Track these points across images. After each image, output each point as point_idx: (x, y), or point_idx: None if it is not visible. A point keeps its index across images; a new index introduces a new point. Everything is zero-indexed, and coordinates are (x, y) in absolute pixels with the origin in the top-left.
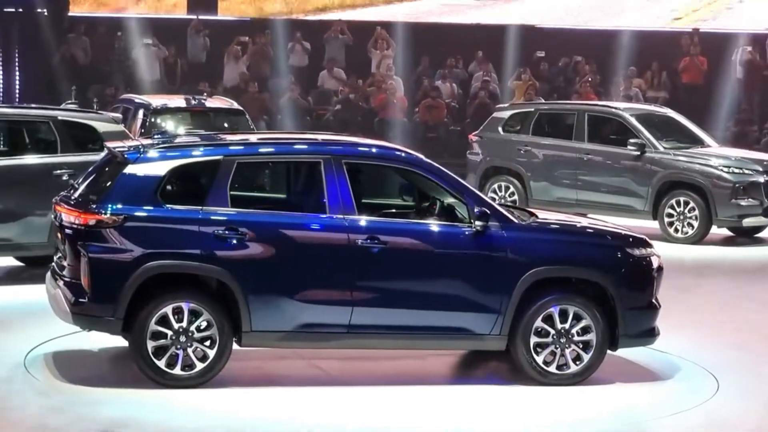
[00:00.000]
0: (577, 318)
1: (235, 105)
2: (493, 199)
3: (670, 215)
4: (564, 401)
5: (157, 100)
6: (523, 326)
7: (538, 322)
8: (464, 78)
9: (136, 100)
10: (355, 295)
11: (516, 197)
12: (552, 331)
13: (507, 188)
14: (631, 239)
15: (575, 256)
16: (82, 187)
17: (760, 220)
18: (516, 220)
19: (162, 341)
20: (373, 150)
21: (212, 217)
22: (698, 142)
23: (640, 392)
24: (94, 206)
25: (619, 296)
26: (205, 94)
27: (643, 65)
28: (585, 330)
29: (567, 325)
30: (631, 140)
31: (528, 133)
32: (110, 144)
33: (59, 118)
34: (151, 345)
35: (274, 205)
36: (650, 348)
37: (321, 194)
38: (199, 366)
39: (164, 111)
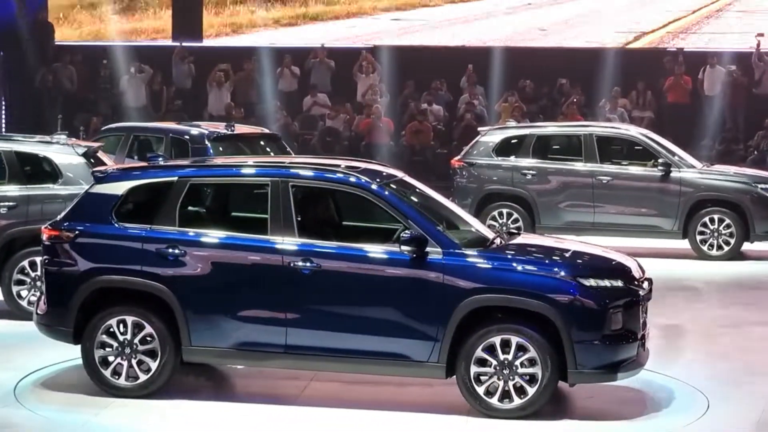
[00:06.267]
0: (523, 349)
1: (266, 131)
2: (492, 227)
3: (702, 233)
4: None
5: (201, 129)
6: (464, 355)
7: (479, 352)
8: (449, 101)
9: (193, 131)
10: (289, 316)
11: (520, 223)
12: (494, 362)
13: (510, 215)
14: (594, 268)
15: (517, 285)
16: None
17: None
18: (468, 246)
19: (109, 351)
20: (322, 173)
21: (156, 236)
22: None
23: (631, 411)
24: (59, 224)
25: (566, 328)
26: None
27: (628, 85)
28: (532, 362)
29: (510, 356)
30: (659, 160)
31: (528, 157)
32: (95, 168)
33: (13, 150)
34: (98, 355)
35: (222, 225)
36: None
37: (265, 215)
38: (142, 377)
39: (221, 138)
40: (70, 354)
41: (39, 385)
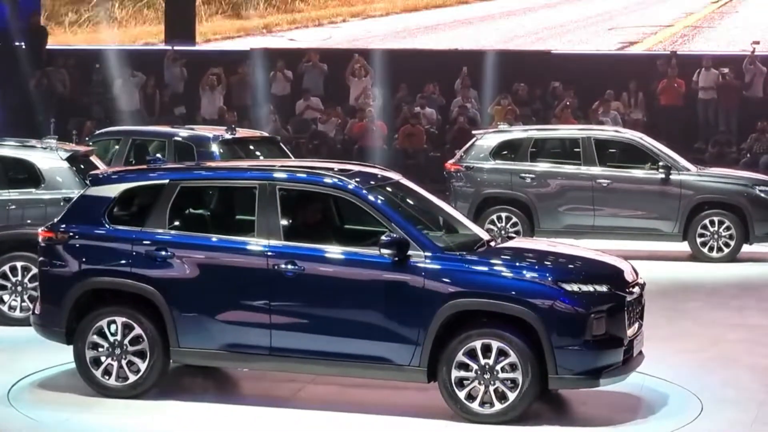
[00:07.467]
0: (504, 354)
1: (266, 134)
2: (490, 231)
3: (702, 235)
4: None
5: (206, 133)
6: (445, 360)
7: (460, 356)
8: (442, 104)
9: (199, 134)
10: (274, 318)
11: (519, 227)
12: (475, 367)
13: (508, 219)
14: (579, 272)
15: (498, 289)
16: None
17: None
18: (452, 250)
19: (100, 351)
20: (308, 177)
21: (146, 238)
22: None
23: (622, 416)
24: (55, 225)
25: (546, 333)
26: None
27: (621, 89)
28: (513, 367)
29: (491, 361)
30: (660, 163)
31: (526, 160)
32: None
33: None
34: (89, 355)
35: (211, 228)
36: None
37: (252, 218)
38: (132, 378)
39: (223, 142)
40: (65, 357)
41: (34, 387)
